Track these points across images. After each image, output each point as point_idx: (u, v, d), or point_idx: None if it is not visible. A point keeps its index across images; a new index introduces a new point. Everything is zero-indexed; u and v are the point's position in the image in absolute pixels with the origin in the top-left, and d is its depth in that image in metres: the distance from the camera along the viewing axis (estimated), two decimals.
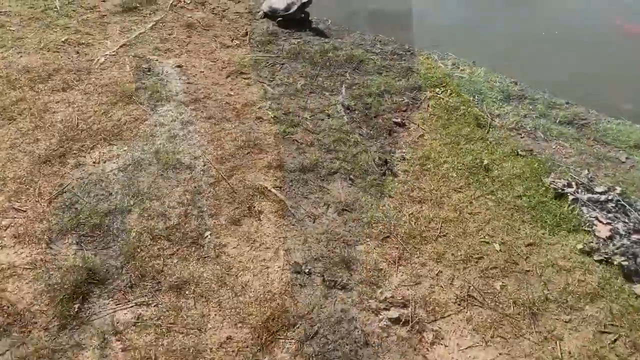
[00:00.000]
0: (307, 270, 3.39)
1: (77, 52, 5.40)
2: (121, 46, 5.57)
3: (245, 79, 5.30)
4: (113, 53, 5.43)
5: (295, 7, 6.17)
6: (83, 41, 5.63)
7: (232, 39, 5.95)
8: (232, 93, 5.03)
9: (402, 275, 3.43)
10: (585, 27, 6.42)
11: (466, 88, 5.27)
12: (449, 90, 5.27)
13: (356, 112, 4.92)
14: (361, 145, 4.49)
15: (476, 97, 5.17)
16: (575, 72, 5.73)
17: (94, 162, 4.08)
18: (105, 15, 6.18)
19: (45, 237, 3.49)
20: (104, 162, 4.09)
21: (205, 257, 3.45)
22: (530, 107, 5.12)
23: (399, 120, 4.84)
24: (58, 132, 4.30)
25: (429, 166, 4.31)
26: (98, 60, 5.29)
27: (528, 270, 3.52)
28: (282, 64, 5.57)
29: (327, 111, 4.89)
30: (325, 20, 6.47)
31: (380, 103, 5.05)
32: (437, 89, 5.29)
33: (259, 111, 4.80)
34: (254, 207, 3.83)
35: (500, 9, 6.90)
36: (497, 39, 6.23)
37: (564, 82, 5.55)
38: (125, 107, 4.63)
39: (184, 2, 6.54)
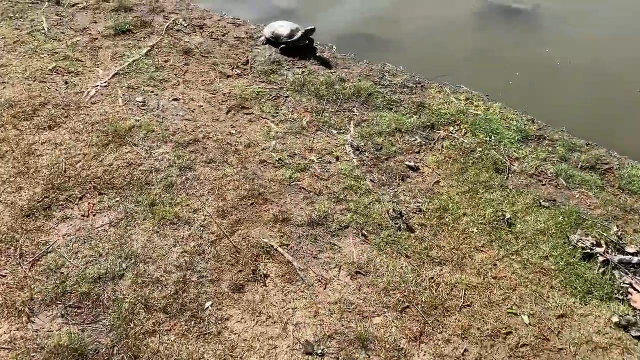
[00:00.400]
0: (319, 352, 3.04)
1: (66, 83, 5.01)
2: (114, 76, 5.19)
3: (247, 114, 4.94)
4: (105, 84, 5.05)
5: (299, 34, 5.83)
6: (73, 69, 5.24)
7: (233, 68, 5.59)
8: (234, 132, 4.67)
9: (425, 355, 3.09)
10: (604, 58, 6.14)
11: (482, 127, 4.95)
12: (463, 130, 4.95)
13: (366, 153, 4.58)
14: (373, 194, 4.16)
15: (493, 138, 4.85)
16: (592, 106, 5.45)
17: (82, 216, 3.71)
18: (97, 39, 5.80)
19: (27, 309, 3.12)
20: (94, 215, 3.72)
21: (207, 334, 3.09)
22: (550, 150, 4.81)
23: (412, 164, 4.51)
24: (43, 180, 3.91)
25: (447, 219, 3.99)
26: (89, 92, 4.91)
27: (561, 349, 3.20)
28: (287, 97, 5.22)
29: (335, 153, 4.55)
30: (330, 47, 6.13)
31: (392, 143, 4.72)
32: (451, 128, 4.97)
33: (263, 153, 4.45)
34: (259, 270, 3.48)
35: (511, 36, 6.59)
36: (510, 68, 5.93)
37: (582, 117, 5.26)
38: (118, 150, 4.26)
39: (181, 25, 6.17)
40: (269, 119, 4.89)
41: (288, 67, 5.68)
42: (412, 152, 4.66)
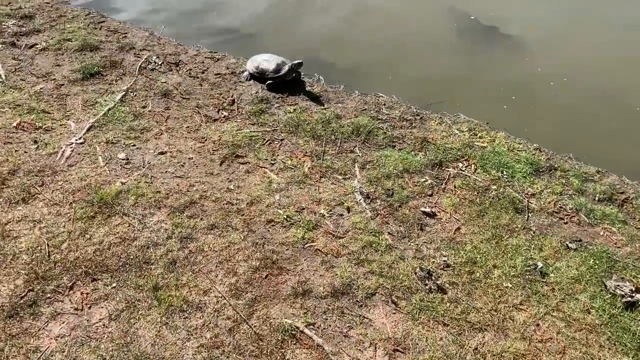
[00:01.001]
0: None
1: (35, 142, 4.45)
2: (89, 129, 4.65)
3: (242, 163, 4.51)
4: (80, 140, 4.51)
5: (286, 68, 5.43)
6: (40, 124, 4.68)
7: (218, 109, 5.14)
8: (232, 186, 4.24)
9: None
10: (596, 73, 6.01)
11: (491, 162, 4.69)
12: (473, 166, 4.68)
13: (378, 201, 4.24)
14: (395, 249, 3.82)
15: (505, 173, 4.60)
16: (593, 126, 5.30)
17: (75, 309, 3.21)
18: (63, 85, 5.24)
19: None
20: (89, 307, 3.22)
21: None
22: (564, 182, 4.60)
23: (428, 209, 4.20)
24: (24, 268, 3.38)
25: (478, 274, 3.69)
26: (63, 152, 4.37)
27: None
28: (282, 140, 4.82)
29: (345, 203, 4.19)
30: (318, 78, 5.75)
31: (402, 187, 4.39)
32: (460, 164, 4.69)
33: (268, 210, 4.04)
34: (287, 359, 3.08)
35: (498, 55, 6.39)
36: (504, 90, 5.72)
37: (586, 139, 5.10)
38: (107, 222, 3.76)
39: (155, 62, 5.66)
40: (267, 168, 4.48)
41: (278, 104, 5.27)
42: (425, 195, 4.35)
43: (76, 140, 4.49)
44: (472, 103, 5.55)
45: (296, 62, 5.41)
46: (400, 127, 5.08)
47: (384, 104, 5.39)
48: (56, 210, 3.80)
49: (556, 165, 4.77)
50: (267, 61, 5.45)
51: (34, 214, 3.76)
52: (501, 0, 7.39)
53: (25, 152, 4.32)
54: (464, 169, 4.64)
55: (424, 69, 6.06)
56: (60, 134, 4.60)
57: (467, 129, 5.12)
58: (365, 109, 5.28)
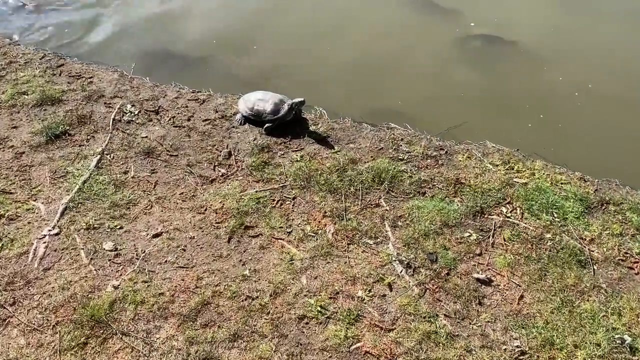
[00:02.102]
0: None
1: None
2: (63, 212, 3.82)
3: (254, 236, 3.77)
4: (54, 231, 3.68)
5: (285, 108, 4.67)
6: (1, 210, 3.82)
7: (214, 165, 4.36)
8: (248, 272, 3.50)
9: None
10: (620, 75, 5.45)
11: (537, 202, 4.07)
12: (518, 209, 4.05)
13: (422, 270, 3.57)
14: (457, 338, 3.16)
15: (555, 215, 3.98)
16: (630, 139, 4.75)
17: None
18: (24, 153, 4.37)
19: None
20: None
21: None
22: (621, 218, 4.02)
23: (481, 275, 3.55)
24: None
25: None
26: (35, 251, 3.53)
27: None
28: (294, 199, 4.09)
29: (384, 278, 3.50)
30: (320, 113, 5.00)
31: (445, 247, 3.73)
32: (503, 209, 4.05)
33: (297, 302, 3.32)
34: None
35: (511, 67, 5.74)
36: (528, 107, 5.12)
37: (626, 156, 4.57)
38: (103, 349, 2.98)
39: (131, 112, 4.81)
40: (283, 239, 3.75)
41: (281, 152, 4.52)
42: (473, 255, 3.70)
43: (49, 231, 3.66)
44: (494, 124, 4.93)
45: (297, 100, 4.65)
46: (425, 167, 4.40)
47: (401, 139, 4.69)
48: (36, 340, 3.00)
49: (607, 198, 4.18)
50: (262, 101, 4.67)
51: (8, 349, 2.94)
52: (500, 6, 6.73)
53: None
54: (509, 214, 4.00)
55: (430, 88, 5.37)
56: (28, 222, 3.75)
57: (500, 162, 4.47)
58: (382, 148, 4.57)
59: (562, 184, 4.28)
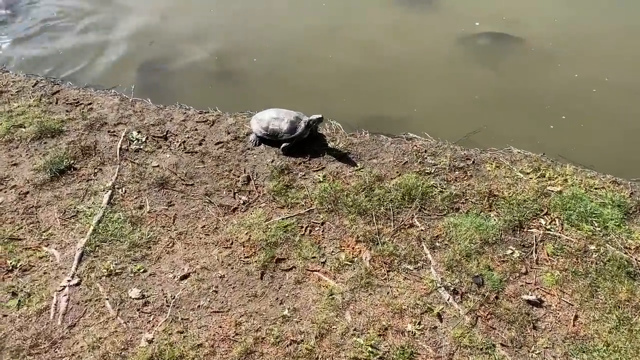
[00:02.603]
0: None
1: (14, 295, 3.31)
2: (80, 258, 3.53)
3: (287, 270, 3.53)
4: (74, 281, 3.39)
5: (302, 126, 4.41)
6: (12, 262, 3.52)
7: (234, 193, 4.09)
8: (287, 312, 3.26)
9: None
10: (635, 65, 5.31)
11: (575, 212, 3.89)
12: (557, 220, 3.86)
13: (470, 296, 3.37)
14: None
15: (595, 225, 3.81)
16: None
17: None
18: (28, 193, 4.05)
19: None
20: None
21: None
22: None
23: (531, 297, 3.37)
24: None
25: None
26: (56, 306, 3.24)
27: None
28: (322, 224, 3.85)
29: (432, 308, 3.30)
30: (336, 128, 4.74)
31: (489, 267, 3.54)
32: (542, 221, 3.87)
33: (345, 343, 3.10)
34: None
35: (522, 64, 5.56)
36: (549, 106, 4.95)
37: None
38: None
39: (138, 140, 4.50)
40: (318, 271, 3.52)
41: (302, 173, 4.27)
42: (519, 274, 3.52)
43: (69, 281, 3.36)
44: (514, 127, 4.75)
45: (315, 117, 4.39)
46: (455, 180, 4.19)
47: (425, 151, 4.46)
48: None
49: None
50: (277, 119, 4.41)
51: None
52: (502, 1, 6.54)
53: (4, 316, 3.17)
54: (549, 227, 3.82)
55: (441, 92, 5.16)
56: (44, 272, 3.45)
57: (530, 169, 4.29)
58: (407, 162, 4.35)
59: (595, 189, 4.12)
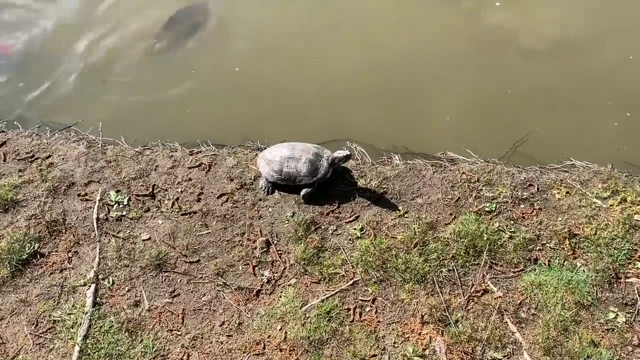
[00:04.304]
0: None
1: None
2: None
3: None
4: None
5: (325, 165, 3.41)
6: None
7: (252, 267, 3.12)
8: None
9: None
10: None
11: None
12: None
13: None
14: None
15: None
16: None
17: None
18: None
19: None
20: None
21: None
22: None
23: None
24: None
25: None
26: None
27: None
28: (373, 301, 2.95)
29: None
30: (361, 158, 3.74)
31: (594, 342, 2.77)
32: (639, 265, 3.04)
33: None
34: None
35: (556, 61, 4.55)
36: (608, 107, 4.03)
37: None
38: None
39: (118, 203, 3.43)
40: None
41: (333, 228, 3.31)
42: (632, 348, 2.71)
43: None
44: (564, 129, 3.85)
45: (340, 155, 3.39)
46: (522, 217, 3.30)
47: (477, 180, 3.53)
48: None
49: None
50: (292, 159, 3.38)
51: None
52: None
53: None
54: None
55: (469, 94, 4.15)
56: None
57: (605, 191, 3.42)
58: (459, 199, 3.42)
59: None
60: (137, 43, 4.63)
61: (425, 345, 2.76)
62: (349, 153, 3.38)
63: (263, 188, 3.49)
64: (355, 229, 3.27)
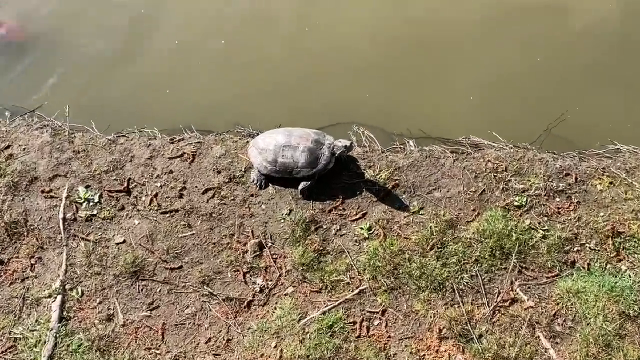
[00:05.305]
0: None
1: None
2: None
3: None
4: None
5: (326, 154, 3.30)
6: None
7: (243, 274, 3.04)
8: None
9: None
10: None
11: None
12: None
13: None
14: None
15: None
16: None
17: None
18: None
19: None
20: None
21: None
22: None
23: None
24: None
25: None
26: None
27: None
28: (384, 314, 2.85)
29: None
30: (369, 145, 3.61)
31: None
32: None
33: None
34: None
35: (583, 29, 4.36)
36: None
37: None
38: None
39: (88, 201, 3.33)
40: None
41: (336, 227, 3.21)
42: None
43: None
44: (607, 109, 3.73)
45: (341, 144, 3.29)
46: (557, 213, 3.18)
47: (505, 169, 3.39)
48: None
49: None
50: (289, 148, 3.26)
51: None
52: None
53: None
54: None
55: (493, 69, 3.99)
56: None
57: None
58: (484, 192, 3.30)
59: None
60: None
61: None
62: (350, 143, 3.27)
63: (255, 181, 3.38)
64: (362, 228, 3.17)
